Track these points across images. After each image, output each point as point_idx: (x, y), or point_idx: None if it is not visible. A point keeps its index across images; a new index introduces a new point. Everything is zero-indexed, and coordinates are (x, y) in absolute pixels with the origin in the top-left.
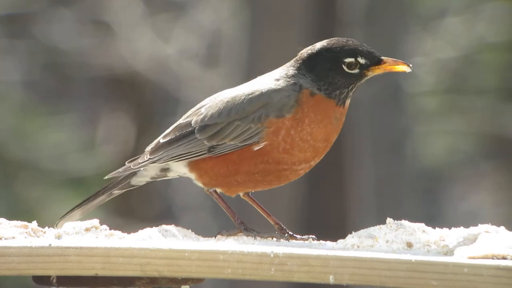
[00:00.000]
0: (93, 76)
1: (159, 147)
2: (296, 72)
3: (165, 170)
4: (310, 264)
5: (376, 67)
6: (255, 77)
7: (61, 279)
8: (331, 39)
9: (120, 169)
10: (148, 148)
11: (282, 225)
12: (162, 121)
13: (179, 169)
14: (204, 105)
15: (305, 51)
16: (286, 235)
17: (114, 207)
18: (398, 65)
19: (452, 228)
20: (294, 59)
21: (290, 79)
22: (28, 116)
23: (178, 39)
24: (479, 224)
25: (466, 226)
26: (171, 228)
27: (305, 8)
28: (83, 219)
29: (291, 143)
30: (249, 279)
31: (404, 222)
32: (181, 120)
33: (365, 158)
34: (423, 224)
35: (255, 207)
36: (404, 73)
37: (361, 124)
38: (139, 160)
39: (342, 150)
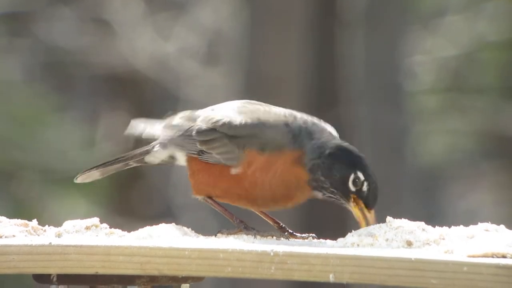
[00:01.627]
0: (93, 75)
1: (171, 127)
2: (310, 134)
3: (172, 157)
4: (310, 262)
5: (360, 204)
6: (255, 76)
7: (62, 277)
8: (359, 153)
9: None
10: (165, 122)
11: (282, 224)
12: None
13: (182, 160)
14: (215, 108)
15: (337, 144)
16: (286, 233)
17: (115, 206)
18: (364, 218)
19: (452, 226)
20: (329, 133)
21: (298, 128)
22: (28, 114)
23: (178, 38)
24: (479, 223)
25: (466, 224)
26: (171, 227)
27: (305, 7)
28: (83, 217)
29: (256, 180)
30: (249, 277)
31: (404, 221)
32: (196, 112)
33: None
34: (423, 223)
35: (252, 210)
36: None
37: (361, 123)
38: (154, 130)
39: None
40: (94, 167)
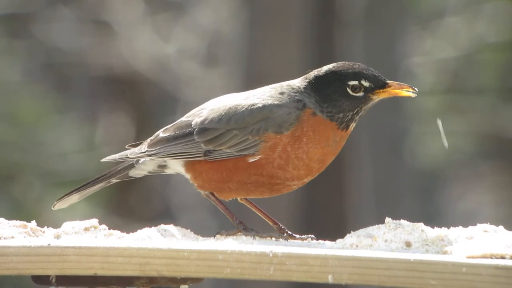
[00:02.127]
0: (93, 76)
1: (158, 141)
2: (302, 90)
3: (163, 166)
4: (309, 263)
5: (381, 90)
6: (254, 77)
7: (60, 279)
8: (338, 62)
9: (116, 155)
10: (148, 140)
11: (281, 225)
12: (162, 120)
13: (176, 167)
14: (206, 107)
15: (312, 73)
16: (285, 234)
17: (113, 207)
18: (403, 89)
19: (451, 227)
20: (302, 77)
21: (295, 95)
22: (27, 116)
23: (178, 39)
24: (478, 224)
25: (465, 225)
26: (170, 227)
27: (304, 8)
28: (82, 218)
29: (286, 159)
30: (248, 278)
31: (403, 222)
32: (183, 118)
33: (364, 157)
34: (421, 224)
35: (253, 209)
36: (409, 97)
37: (360, 124)
38: (136, 150)
39: (341, 150)
40: (73, 190)
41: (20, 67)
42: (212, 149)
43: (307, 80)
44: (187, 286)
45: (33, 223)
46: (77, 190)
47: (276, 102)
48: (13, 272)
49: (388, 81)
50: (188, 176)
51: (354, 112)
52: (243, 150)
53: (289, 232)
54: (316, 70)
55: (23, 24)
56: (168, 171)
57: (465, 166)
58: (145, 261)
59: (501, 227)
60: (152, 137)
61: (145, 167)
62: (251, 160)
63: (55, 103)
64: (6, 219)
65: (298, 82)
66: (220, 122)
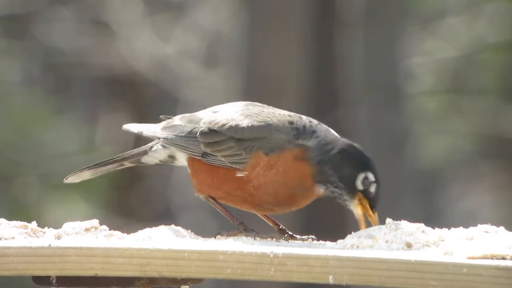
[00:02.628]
0: (93, 76)
1: (171, 127)
2: (314, 133)
3: (172, 157)
4: (310, 264)
5: (362, 205)
6: (255, 77)
7: (61, 279)
8: (370, 164)
9: (133, 127)
10: (164, 122)
11: (282, 226)
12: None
13: (182, 160)
14: (221, 110)
15: (345, 143)
16: (285, 235)
17: (114, 208)
18: (362, 223)
19: (452, 228)
20: (332, 131)
21: (303, 126)
22: (27, 116)
23: (177, 39)
24: (478, 224)
25: (466, 226)
26: (170, 228)
27: (304, 8)
28: (82, 219)
29: (261, 182)
30: (249, 279)
31: (404, 222)
32: (199, 113)
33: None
34: (422, 224)
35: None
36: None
37: (360, 124)
38: (152, 128)
39: None
40: (86, 167)
41: (20, 67)
42: (209, 152)
43: (330, 135)
44: (187, 286)
45: (34, 223)
46: (90, 167)
47: (279, 125)
48: (14, 273)
49: (374, 210)
50: (188, 171)
51: (336, 189)
52: (235, 163)
53: (289, 232)
54: (346, 145)
55: (23, 25)
56: (176, 163)
57: (465, 167)
58: (145, 261)
59: (502, 227)
60: (169, 121)
61: (157, 155)
62: (238, 175)
63: (55, 104)
64: (6, 219)
65: (318, 124)
66: (222, 128)
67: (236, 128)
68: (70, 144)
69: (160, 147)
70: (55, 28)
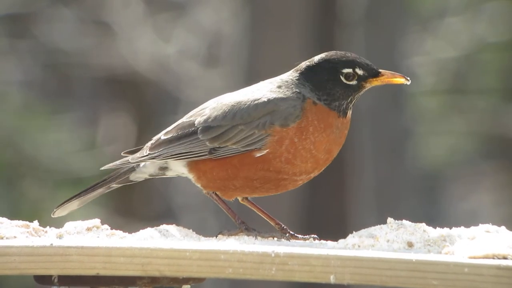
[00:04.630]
0: (94, 76)
1: (160, 144)
2: (296, 81)
3: (164, 169)
4: (311, 263)
5: (374, 79)
6: (255, 77)
7: (63, 279)
8: (330, 51)
9: (117, 162)
10: (148, 144)
11: (283, 225)
12: (163, 120)
13: (178, 168)
14: (207, 106)
15: (304, 63)
16: (287, 234)
17: (115, 207)
18: (396, 77)
19: (453, 228)
20: (293, 69)
21: (292, 88)
22: (28, 116)
23: (178, 39)
24: (479, 224)
25: (467, 226)
26: (172, 228)
27: (305, 8)
28: (84, 218)
29: (294, 153)
30: (250, 278)
31: (405, 222)
32: (184, 119)
33: (365, 157)
34: (423, 224)
35: (255, 210)
36: (402, 84)
37: (362, 124)
38: (138, 155)
39: (343, 150)
40: (73, 197)
41: (21, 67)
42: (217, 146)
43: (299, 72)
44: (189, 286)
45: (36, 223)
46: (77, 196)
47: (279, 96)
48: (16, 272)
49: (380, 70)
50: (191, 176)
51: (348, 101)
52: (249, 145)
53: (291, 232)
54: (308, 60)
55: (25, 25)
56: (169, 174)
57: (466, 166)
58: (147, 261)
59: (503, 227)
60: (152, 141)
61: (146, 170)
62: (258, 154)
63: (56, 103)
64: (8, 219)
65: (290, 75)
66: (225, 118)
67: (241, 113)
68: (72, 144)
69: (149, 161)
70: (56, 28)
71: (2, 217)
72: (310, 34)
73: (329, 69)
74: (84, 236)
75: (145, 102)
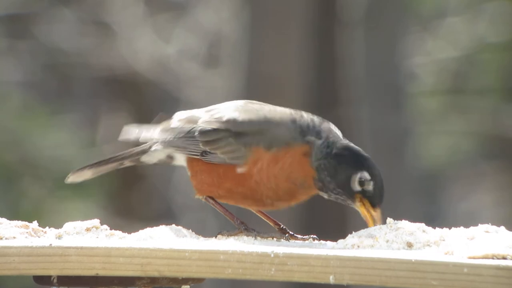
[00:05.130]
0: (94, 76)
1: (170, 130)
2: (318, 133)
3: (171, 157)
4: (311, 264)
5: (366, 203)
6: (255, 77)
7: (62, 279)
8: (370, 163)
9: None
10: (162, 125)
11: (282, 226)
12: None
13: (181, 160)
14: (216, 108)
15: (344, 145)
16: (286, 235)
17: (115, 207)
18: (371, 220)
19: (452, 228)
20: (331, 127)
21: (306, 125)
22: (28, 116)
23: (178, 39)
24: (479, 224)
25: (466, 226)
26: (173, 227)
27: (305, 8)
28: (83, 219)
29: (262, 177)
30: (250, 279)
31: (404, 222)
32: (195, 112)
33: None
34: (423, 224)
35: (253, 211)
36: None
37: (361, 124)
38: (148, 134)
39: None
40: (86, 166)
41: (21, 67)
42: (208, 150)
43: (331, 137)
44: (188, 286)
45: (35, 223)
46: (91, 165)
47: (278, 119)
48: (15, 273)
49: (377, 207)
50: (188, 173)
51: (337, 195)
52: (235, 158)
53: (290, 232)
54: (347, 143)
55: (24, 25)
56: (175, 163)
57: (466, 167)
58: (146, 261)
59: (502, 227)
60: (167, 122)
61: (156, 155)
62: (239, 170)
63: (56, 104)
64: (7, 219)
65: (322, 122)
66: (221, 124)
67: (234, 122)
68: (71, 144)
69: (159, 147)
70: (56, 29)
71: (1, 217)
72: (310, 34)
73: (346, 170)
74: (83, 236)
75: (145, 102)
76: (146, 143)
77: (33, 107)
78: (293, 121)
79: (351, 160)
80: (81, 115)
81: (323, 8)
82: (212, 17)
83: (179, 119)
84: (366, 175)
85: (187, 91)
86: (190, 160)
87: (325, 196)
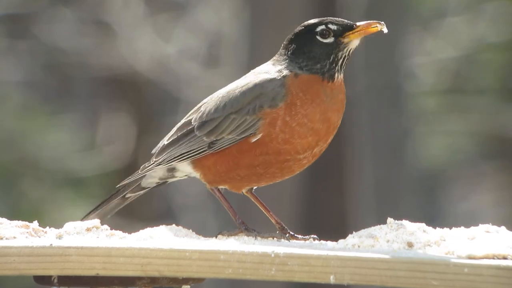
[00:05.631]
0: (94, 76)
1: (163, 149)
2: (281, 59)
3: (172, 170)
4: (311, 264)
5: (350, 32)
6: None
7: (62, 279)
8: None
9: (131, 176)
10: (154, 151)
11: (284, 225)
12: (163, 121)
13: (185, 168)
14: (203, 103)
15: (286, 39)
16: (287, 235)
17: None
18: (371, 26)
19: (453, 228)
20: (280, 49)
21: (276, 67)
22: (29, 116)
23: (178, 39)
24: (479, 224)
25: (467, 226)
26: (174, 227)
27: (305, 8)
28: (84, 219)
29: (290, 132)
30: (250, 279)
31: (405, 222)
32: (182, 120)
33: (365, 158)
34: (423, 224)
35: (257, 204)
36: (382, 33)
37: (361, 124)
38: (146, 164)
39: (342, 150)
40: (91, 212)
41: (21, 67)
42: (214, 139)
43: (283, 48)
44: (188, 286)
45: (35, 223)
46: (94, 210)
47: (265, 78)
48: (15, 272)
49: (356, 23)
50: (197, 174)
51: (331, 61)
52: (244, 132)
53: (291, 232)
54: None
55: (24, 25)
56: (178, 175)
57: (466, 166)
58: (147, 261)
59: (503, 227)
60: (157, 147)
61: (155, 174)
62: (254, 140)
63: (57, 104)
64: (8, 219)
65: (278, 54)
66: (216, 111)
67: (230, 103)
68: (72, 144)
69: (158, 167)
70: (57, 28)
71: (2, 217)
72: None
73: (305, 33)
74: (83, 236)
75: (145, 102)
76: (149, 141)
77: (33, 107)
78: (267, 72)
79: (304, 37)
80: (81, 115)
81: (323, 8)
82: (212, 17)
83: (168, 137)
84: (319, 29)
85: (187, 91)
86: (197, 162)
87: (340, 74)
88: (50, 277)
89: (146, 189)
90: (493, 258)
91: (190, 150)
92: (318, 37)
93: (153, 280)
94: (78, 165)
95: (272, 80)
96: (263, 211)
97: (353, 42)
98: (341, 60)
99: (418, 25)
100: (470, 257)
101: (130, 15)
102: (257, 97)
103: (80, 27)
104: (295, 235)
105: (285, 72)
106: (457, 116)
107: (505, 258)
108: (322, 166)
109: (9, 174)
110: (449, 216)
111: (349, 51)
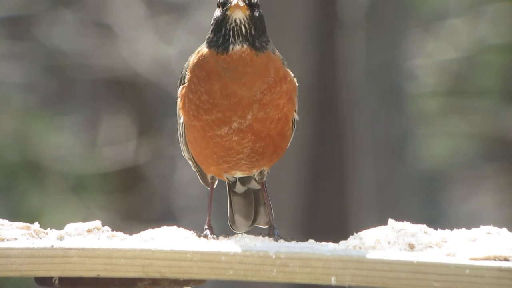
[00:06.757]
0: (95, 78)
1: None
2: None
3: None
4: (312, 265)
5: (231, 6)
6: None
7: (63, 280)
8: None
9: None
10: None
11: (275, 226)
12: (163, 122)
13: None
14: None
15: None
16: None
17: (116, 209)
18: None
19: (454, 229)
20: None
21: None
22: (29, 118)
23: (179, 41)
24: (481, 226)
25: (468, 227)
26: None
27: (306, 9)
28: (85, 220)
29: (196, 109)
30: (251, 280)
31: (406, 224)
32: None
33: (366, 159)
34: (425, 226)
35: (263, 195)
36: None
37: (362, 126)
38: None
39: (343, 152)
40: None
41: (22, 69)
42: (181, 121)
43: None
44: (189, 287)
45: (36, 224)
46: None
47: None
48: (16, 274)
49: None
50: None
51: (223, 33)
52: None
53: (276, 232)
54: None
55: (25, 27)
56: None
57: (467, 168)
58: (148, 262)
59: (504, 229)
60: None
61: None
62: (181, 121)
63: (57, 105)
64: (9, 220)
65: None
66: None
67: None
68: (72, 146)
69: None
70: (57, 30)
71: (3, 218)
72: (311, 35)
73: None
74: (85, 237)
75: (146, 104)
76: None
77: (34, 109)
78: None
79: (216, 25)
80: (82, 117)
81: (323, 9)
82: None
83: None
84: (217, 3)
85: None
86: (189, 143)
87: (237, 45)
88: (51, 278)
89: (238, 193)
90: (495, 260)
91: (180, 139)
92: (216, 11)
93: (154, 281)
94: (79, 166)
95: (187, 61)
96: (264, 201)
97: (236, 13)
98: (231, 32)
99: (419, 27)
100: (471, 259)
101: (131, 17)
102: (179, 80)
103: (80, 29)
104: (278, 235)
105: (197, 50)
106: (458, 117)
107: (506, 259)
108: (323, 167)
109: (10, 176)
110: (450, 218)
111: (236, 22)
